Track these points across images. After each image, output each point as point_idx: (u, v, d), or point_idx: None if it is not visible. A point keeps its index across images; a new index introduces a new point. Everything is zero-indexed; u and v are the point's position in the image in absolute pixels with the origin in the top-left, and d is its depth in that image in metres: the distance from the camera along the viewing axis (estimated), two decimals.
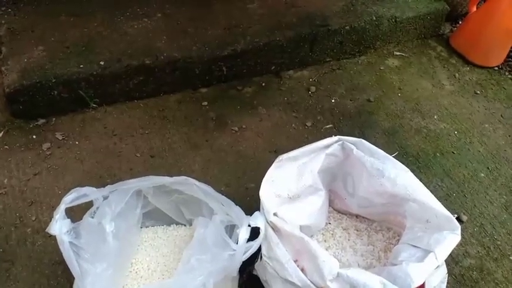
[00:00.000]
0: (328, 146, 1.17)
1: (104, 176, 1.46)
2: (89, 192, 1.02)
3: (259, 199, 1.08)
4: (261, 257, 1.08)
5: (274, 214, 1.04)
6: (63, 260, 0.98)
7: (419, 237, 1.02)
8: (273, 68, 1.89)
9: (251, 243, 1.01)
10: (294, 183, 1.16)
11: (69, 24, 1.79)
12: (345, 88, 1.86)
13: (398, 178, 1.09)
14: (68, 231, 0.96)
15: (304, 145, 1.18)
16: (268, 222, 1.04)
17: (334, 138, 1.18)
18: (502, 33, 1.95)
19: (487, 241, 1.37)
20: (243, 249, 0.99)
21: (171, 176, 1.14)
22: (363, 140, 1.17)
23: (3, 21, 1.77)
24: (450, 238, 0.97)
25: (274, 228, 1.03)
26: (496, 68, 2.05)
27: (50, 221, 0.98)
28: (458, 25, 2.25)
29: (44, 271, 1.22)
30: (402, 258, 0.98)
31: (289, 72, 1.92)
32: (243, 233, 0.99)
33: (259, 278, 1.15)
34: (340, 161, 1.21)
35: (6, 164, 1.46)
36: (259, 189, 1.10)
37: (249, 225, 1.02)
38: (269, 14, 1.92)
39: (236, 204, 1.09)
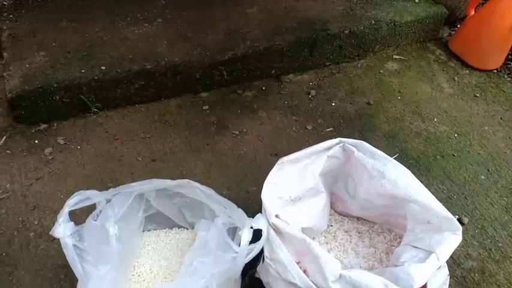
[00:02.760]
0: (329, 148, 1.18)
1: (106, 180, 1.47)
2: (92, 196, 1.03)
3: (261, 202, 1.09)
4: (263, 259, 1.08)
5: (276, 216, 1.04)
6: (66, 263, 0.98)
7: (420, 238, 1.02)
8: (273, 72, 1.90)
9: (253, 245, 1.01)
10: (295, 185, 1.17)
11: (71, 29, 1.80)
12: (344, 91, 1.87)
13: (399, 179, 1.09)
14: (71, 234, 0.97)
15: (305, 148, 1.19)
16: (270, 224, 1.04)
17: (335, 140, 1.18)
18: (501, 36, 1.97)
19: (489, 243, 1.37)
20: (245, 251, 0.99)
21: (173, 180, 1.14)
22: (364, 142, 1.17)
23: (5, 27, 1.78)
24: (451, 239, 0.98)
25: (276, 230, 1.04)
26: (495, 71, 2.06)
27: (53, 225, 0.98)
28: (456, 29, 2.26)
29: (47, 275, 1.22)
30: (404, 260, 0.98)
31: (289, 76, 1.93)
32: (245, 235, 0.99)
33: (261, 280, 1.15)
34: (341, 163, 1.21)
35: (9, 169, 1.47)
36: (260, 193, 1.10)
37: (251, 227, 1.02)
38: (269, 18, 1.94)
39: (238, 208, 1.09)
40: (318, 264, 0.96)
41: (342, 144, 1.18)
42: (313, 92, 1.85)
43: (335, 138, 1.21)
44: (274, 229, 1.04)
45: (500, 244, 1.37)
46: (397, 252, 1.04)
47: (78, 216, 1.24)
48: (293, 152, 1.18)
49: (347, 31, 1.91)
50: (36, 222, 1.33)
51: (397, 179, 1.10)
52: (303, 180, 1.17)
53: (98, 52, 1.70)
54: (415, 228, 1.07)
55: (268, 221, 1.05)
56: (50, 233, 0.97)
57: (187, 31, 1.84)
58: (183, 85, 1.77)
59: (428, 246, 0.98)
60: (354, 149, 1.17)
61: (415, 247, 1.00)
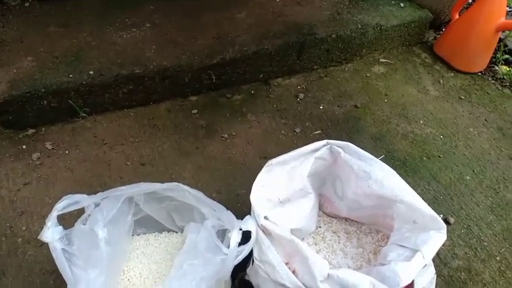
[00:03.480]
0: (316, 150, 1.19)
1: (94, 184, 1.46)
2: (80, 199, 1.02)
3: (250, 204, 1.09)
4: (253, 261, 1.09)
5: (265, 218, 1.05)
6: (55, 269, 0.98)
7: (406, 237, 1.04)
8: (262, 75, 1.92)
9: (243, 247, 1.02)
10: (284, 187, 1.18)
11: (58, 35, 1.80)
12: (332, 95, 1.89)
13: (385, 180, 1.11)
14: (60, 238, 0.96)
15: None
16: (259, 226, 1.05)
17: (322, 142, 1.19)
18: (485, 40, 2.01)
19: (474, 242, 1.39)
20: (234, 253, 1.00)
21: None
22: (350, 144, 1.19)
23: None
24: (436, 237, 1.00)
25: (265, 232, 1.05)
26: (479, 74, 2.10)
27: (41, 230, 0.98)
28: (441, 32, 2.30)
29: (35, 280, 1.21)
30: (390, 258, 1.00)
31: (277, 79, 1.95)
32: (235, 237, 1.00)
33: (251, 282, 1.15)
34: (329, 164, 1.23)
35: None
36: (249, 195, 1.11)
37: (240, 229, 1.03)
38: (257, 23, 1.96)
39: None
40: (307, 265, 0.97)
41: (328, 146, 1.20)
42: (301, 96, 1.87)
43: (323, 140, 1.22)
44: (263, 231, 1.05)
45: (485, 243, 1.39)
46: (384, 252, 1.06)
47: (67, 221, 1.25)
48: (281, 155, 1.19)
49: (334, 35, 1.94)
50: (24, 228, 1.32)
51: (383, 179, 1.11)
52: (291, 182, 1.18)
53: (86, 57, 1.70)
54: (402, 228, 1.09)
55: (257, 223, 1.06)
56: (39, 237, 0.96)
57: (176, 36, 1.85)
58: (172, 89, 1.78)
59: (414, 245, 0.99)
60: (340, 150, 1.18)
61: (402, 246, 1.02)
